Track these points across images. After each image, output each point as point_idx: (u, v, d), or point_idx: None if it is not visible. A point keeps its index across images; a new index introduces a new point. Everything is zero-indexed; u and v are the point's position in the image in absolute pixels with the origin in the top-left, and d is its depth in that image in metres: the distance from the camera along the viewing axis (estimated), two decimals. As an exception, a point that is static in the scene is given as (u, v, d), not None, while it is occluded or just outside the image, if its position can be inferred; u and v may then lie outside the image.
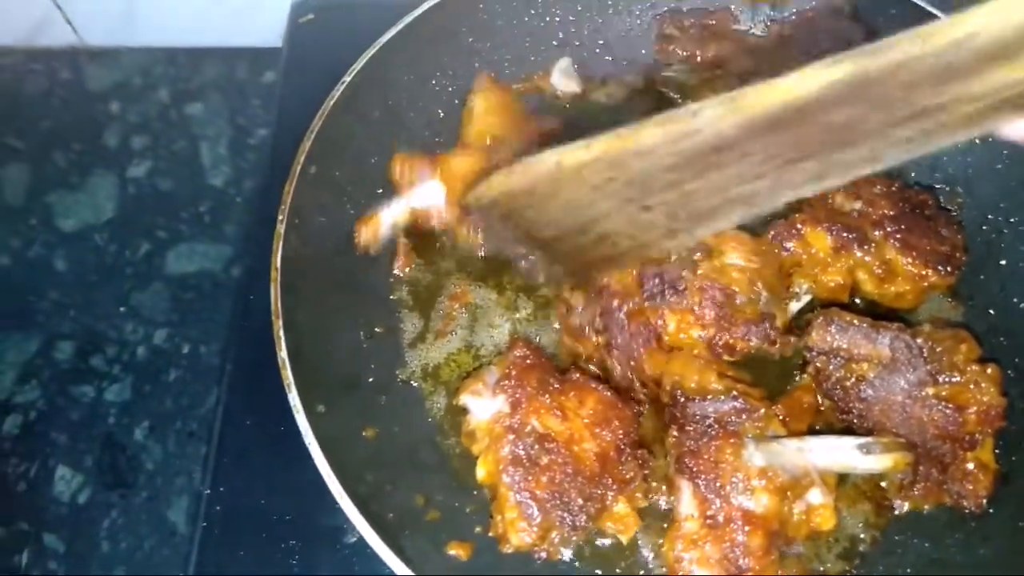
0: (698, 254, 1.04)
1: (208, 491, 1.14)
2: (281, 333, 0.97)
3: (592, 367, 1.08)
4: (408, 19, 1.18)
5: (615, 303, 1.05)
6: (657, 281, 1.05)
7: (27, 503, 1.29)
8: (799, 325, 1.08)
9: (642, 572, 1.00)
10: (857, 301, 1.14)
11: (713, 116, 0.69)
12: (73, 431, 1.34)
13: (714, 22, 1.33)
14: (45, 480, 1.30)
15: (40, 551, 1.25)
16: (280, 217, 1.04)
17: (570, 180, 0.83)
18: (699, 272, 1.04)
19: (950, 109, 0.62)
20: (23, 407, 1.36)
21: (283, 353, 0.96)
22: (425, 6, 1.19)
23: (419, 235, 1.18)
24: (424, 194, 1.11)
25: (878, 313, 1.10)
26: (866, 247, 1.09)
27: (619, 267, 1.01)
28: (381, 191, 1.16)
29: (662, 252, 0.95)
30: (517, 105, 1.21)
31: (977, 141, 1.17)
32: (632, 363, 1.05)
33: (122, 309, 1.43)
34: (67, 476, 1.31)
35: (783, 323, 1.05)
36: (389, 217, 1.11)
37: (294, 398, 0.94)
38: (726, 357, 1.04)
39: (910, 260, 1.08)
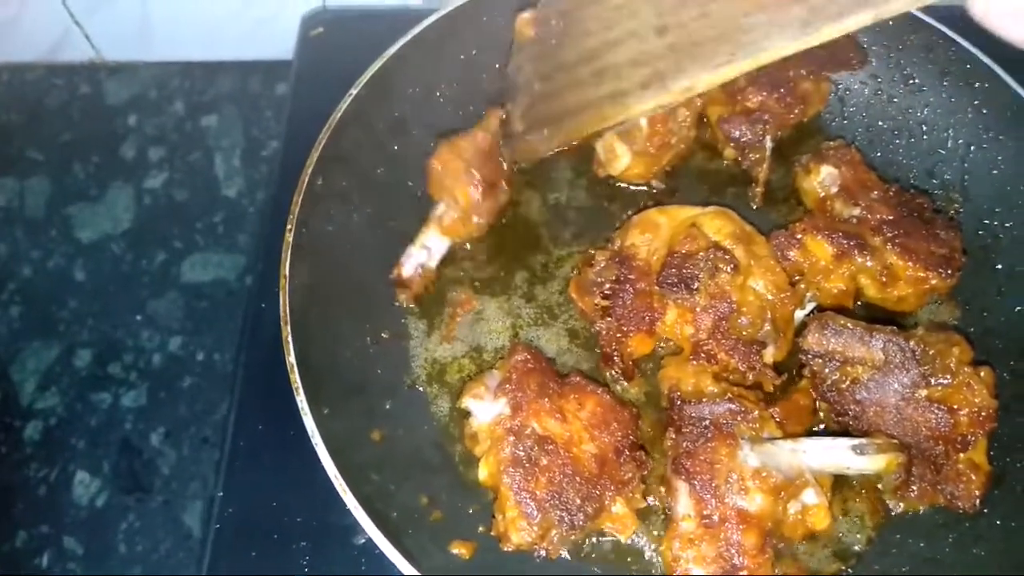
0: (730, 267, 1.05)
1: (221, 494, 1.16)
2: (289, 338, 1.00)
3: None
4: (413, 32, 1.20)
5: (632, 277, 1.07)
6: (675, 272, 1.06)
7: (48, 506, 1.32)
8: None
9: (640, 571, 1.02)
10: (858, 303, 1.15)
11: None
12: (91, 437, 1.37)
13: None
14: (65, 484, 1.34)
15: (60, 553, 1.29)
16: (288, 227, 1.06)
17: None
18: (717, 280, 1.05)
19: None
20: (44, 413, 1.39)
21: (291, 358, 0.99)
22: (430, 19, 1.21)
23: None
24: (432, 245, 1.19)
25: (877, 317, 1.11)
26: (867, 253, 1.10)
27: (592, 121, 0.98)
28: (388, 202, 1.20)
29: (636, 106, 0.93)
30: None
31: (972, 147, 1.19)
32: (620, 336, 1.07)
33: (138, 317, 1.47)
34: (86, 480, 1.34)
35: (774, 358, 1.06)
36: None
37: (302, 401, 0.97)
38: (704, 363, 1.05)
39: (910, 264, 1.09)
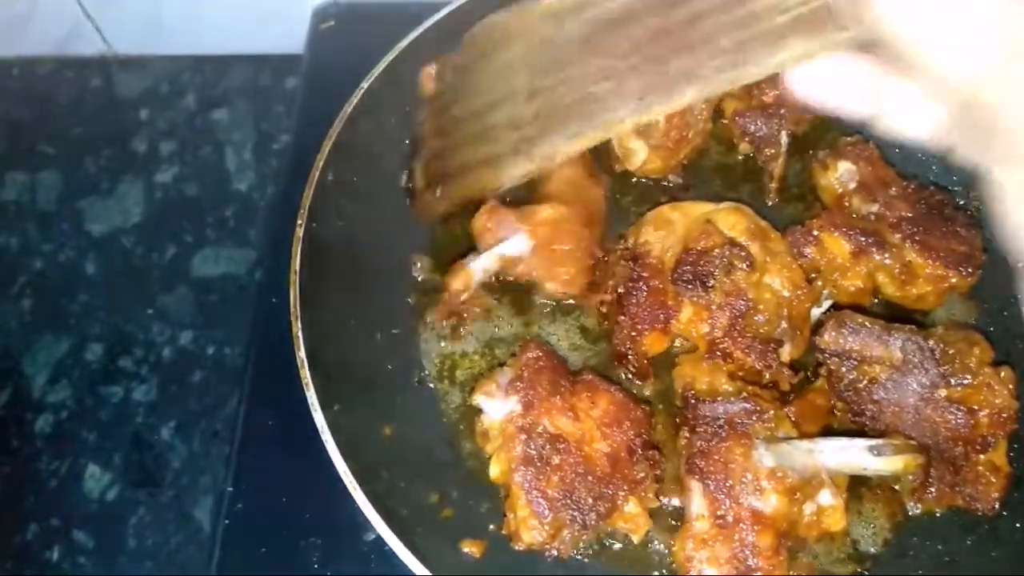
0: (746, 264, 1.04)
1: (230, 489, 1.16)
2: (299, 334, 0.99)
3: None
4: (425, 25, 1.19)
5: (646, 274, 1.06)
6: (690, 269, 1.05)
7: (58, 500, 1.32)
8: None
9: (653, 572, 1.01)
10: (875, 301, 1.14)
11: None
12: (102, 430, 1.37)
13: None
14: (75, 478, 1.34)
15: (70, 547, 1.29)
16: (299, 221, 1.06)
17: (511, 36, 0.90)
18: (732, 277, 1.04)
19: (763, 18, 0.65)
20: (54, 407, 1.39)
21: (301, 353, 0.98)
22: (443, 12, 1.20)
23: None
24: (513, 244, 1.12)
25: (895, 315, 1.09)
26: (885, 250, 1.08)
27: (472, 185, 0.98)
28: (400, 196, 1.19)
29: (507, 171, 0.91)
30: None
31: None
32: (634, 334, 1.06)
33: (149, 311, 1.46)
34: (96, 474, 1.34)
35: (790, 357, 1.05)
36: (479, 267, 1.12)
37: (312, 396, 0.96)
38: (720, 361, 1.04)
39: (930, 262, 1.07)
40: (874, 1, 0.57)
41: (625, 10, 0.76)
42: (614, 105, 0.77)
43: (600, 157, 1.25)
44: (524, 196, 1.18)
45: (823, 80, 0.66)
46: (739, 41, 0.67)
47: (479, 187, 0.96)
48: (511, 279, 1.17)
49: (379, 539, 0.90)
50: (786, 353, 1.04)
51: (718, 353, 1.04)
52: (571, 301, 1.17)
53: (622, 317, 1.07)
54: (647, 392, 1.11)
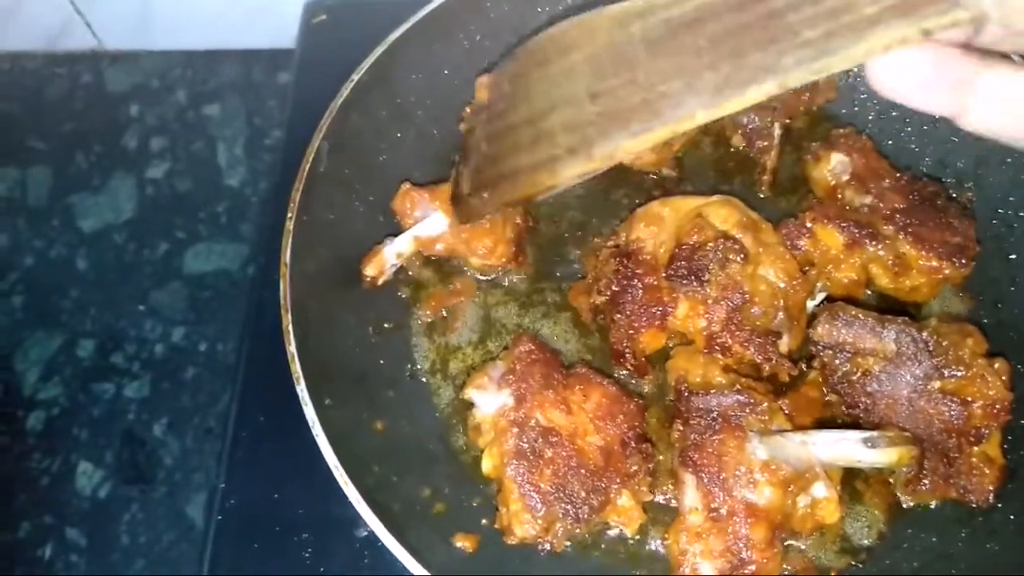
0: (740, 256, 1.03)
1: (223, 485, 1.16)
2: (290, 327, 0.99)
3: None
4: (416, 18, 1.18)
5: (640, 271, 1.06)
6: (684, 264, 1.05)
7: (50, 497, 1.32)
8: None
9: (646, 565, 1.01)
10: (869, 293, 1.14)
11: None
12: (94, 427, 1.37)
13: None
14: (67, 475, 1.34)
15: (63, 544, 1.29)
16: (289, 214, 1.05)
17: (572, 44, 0.89)
18: (727, 271, 1.04)
19: (852, 7, 0.64)
20: (46, 404, 1.39)
21: (292, 347, 0.98)
22: (433, 5, 1.19)
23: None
24: (429, 225, 1.11)
25: (889, 307, 1.09)
26: (878, 242, 1.08)
27: (525, 186, 0.96)
28: (390, 189, 1.18)
29: (563, 172, 0.91)
30: None
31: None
32: (631, 332, 1.06)
33: (141, 308, 1.46)
34: (88, 471, 1.34)
35: (789, 348, 1.05)
36: (393, 251, 1.11)
37: (302, 390, 0.95)
38: (718, 356, 1.03)
39: (923, 253, 1.07)
40: None
41: (700, 10, 0.76)
42: (685, 101, 0.76)
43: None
44: (446, 169, 1.17)
45: (909, 72, 0.63)
46: (826, 32, 0.65)
47: (532, 190, 0.95)
48: (436, 258, 1.17)
49: (372, 535, 0.90)
50: (784, 344, 1.04)
51: (716, 347, 1.03)
52: (567, 297, 1.17)
53: (618, 315, 1.06)
54: (646, 388, 1.10)
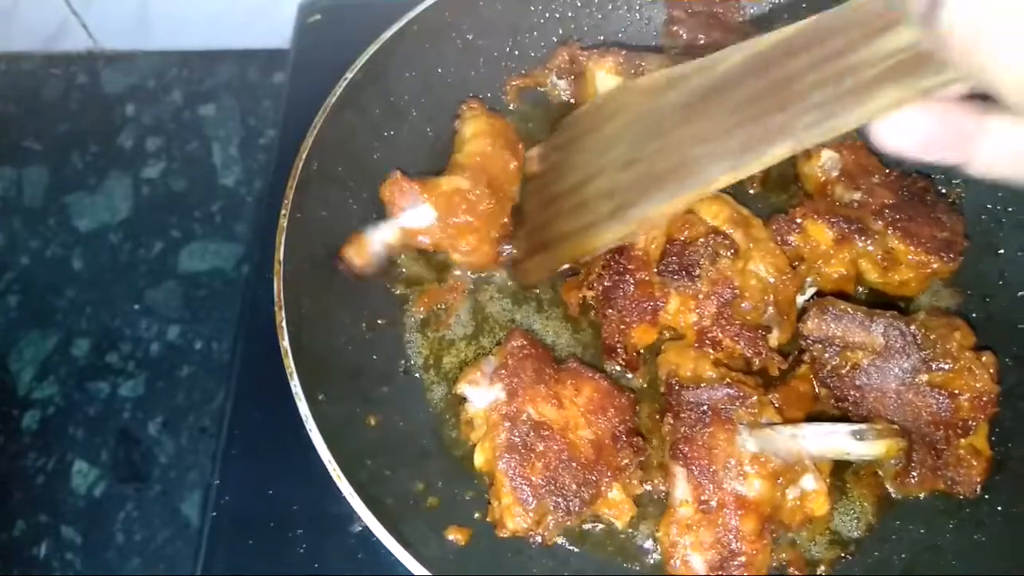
0: (730, 252, 1.05)
1: (218, 482, 1.16)
2: (283, 323, 0.99)
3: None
4: (408, 16, 1.18)
5: (631, 267, 1.06)
6: (675, 260, 1.06)
7: (45, 496, 1.32)
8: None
9: (637, 556, 1.01)
10: (860, 289, 1.14)
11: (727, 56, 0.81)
12: (89, 426, 1.37)
13: (721, 11, 1.34)
14: (63, 474, 1.34)
15: (58, 543, 1.29)
16: (283, 212, 1.05)
17: (608, 114, 0.96)
18: (718, 266, 1.05)
19: (856, 71, 0.67)
20: (41, 403, 1.40)
21: (285, 342, 0.98)
22: (426, 4, 1.20)
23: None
24: (415, 216, 1.12)
25: (878, 302, 1.10)
26: (868, 237, 1.09)
27: (571, 252, 1.03)
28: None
29: (603, 237, 0.97)
30: (507, 130, 1.22)
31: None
32: (622, 327, 1.07)
33: (136, 307, 1.47)
34: (84, 470, 1.34)
35: (778, 342, 1.06)
36: (378, 239, 1.12)
37: (296, 386, 0.96)
38: (709, 350, 1.04)
39: (912, 248, 1.08)
40: (982, 47, 0.55)
41: (726, 76, 0.80)
42: (709, 167, 0.81)
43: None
44: (440, 167, 1.19)
45: (912, 130, 0.65)
46: (833, 95, 0.69)
47: (576, 253, 1.02)
48: (420, 249, 1.18)
49: (366, 530, 0.90)
50: (774, 339, 1.05)
51: (707, 342, 1.04)
52: (558, 292, 1.18)
53: (610, 310, 1.07)
54: (637, 382, 1.11)
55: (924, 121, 0.64)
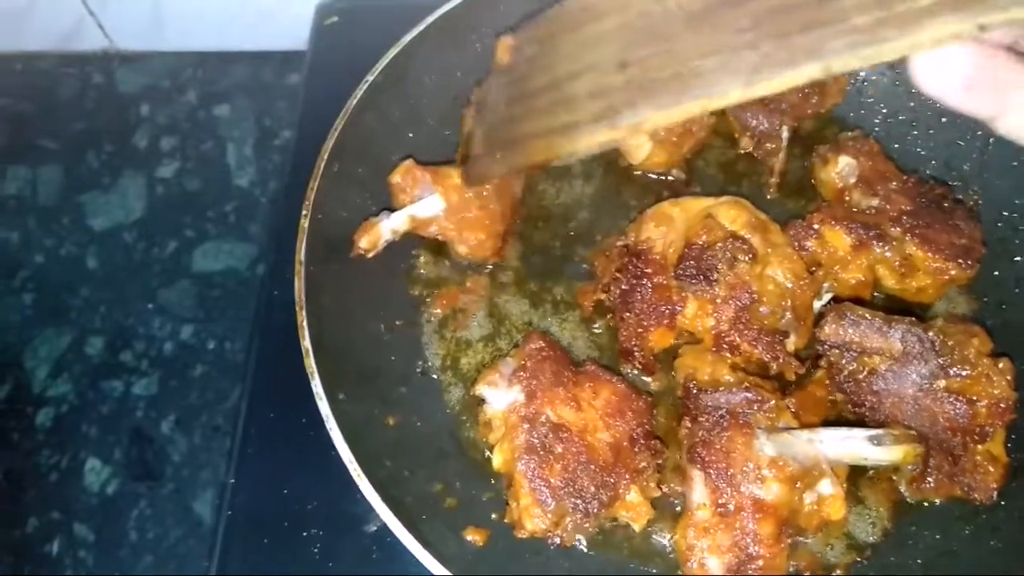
0: (748, 256, 1.05)
1: (232, 481, 1.16)
2: (304, 323, 1.00)
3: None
4: (429, 20, 1.19)
5: (649, 271, 1.07)
6: (693, 264, 1.06)
7: (59, 494, 1.33)
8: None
9: (655, 560, 1.01)
10: (876, 295, 1.15)
11: None
12: (103, 424, 1.38)
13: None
14: (76, 471, 1.34)
15: (71, 540, 1.29)
16: (304, 212, 1.06)
17: (604, 11, 0.87)
18: (736, 270, 1.05)
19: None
20: (55, 400, 1.40)
21: (306, 342, 0.99)
22: (446, 7, 1.21)
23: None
24: (425, 205, 1.12)
25: (895, 308, 1.10)
26: (885, 243, 1.09)
27: (540, 151, 0.94)
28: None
29: (584, 139, 0.88)
30: None
31: (991, 140, 1.18)
32: (640, 331, 1.07)
33: (150, 306, 1.47)
34: (97, 468, 1.34)
35: (795, 347, 1.06)
36: (388, 226, 1.11)
37: (317, 385, 0.96)
38: (726, 354, 1.05)
39: (930, 254, 1.08)
40: None
41: None
42: (720, 79, 0.74)
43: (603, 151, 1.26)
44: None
45: (953, 71, 0.62)
46: (877, 20, 0.63)
47: (548, 154, 0.92)
48: (425, 238, 1.18)
49: (380, 530, 0.91)
50: (791, 343, 1.05)
51: (725, 346, 1.05)
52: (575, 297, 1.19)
53: (627, 314, 1.07)
54: (653, 386, 1.11)
55: (969, 62, 0.61)
